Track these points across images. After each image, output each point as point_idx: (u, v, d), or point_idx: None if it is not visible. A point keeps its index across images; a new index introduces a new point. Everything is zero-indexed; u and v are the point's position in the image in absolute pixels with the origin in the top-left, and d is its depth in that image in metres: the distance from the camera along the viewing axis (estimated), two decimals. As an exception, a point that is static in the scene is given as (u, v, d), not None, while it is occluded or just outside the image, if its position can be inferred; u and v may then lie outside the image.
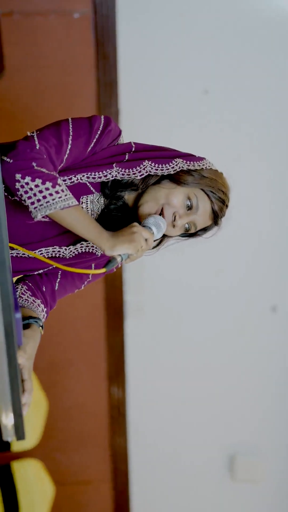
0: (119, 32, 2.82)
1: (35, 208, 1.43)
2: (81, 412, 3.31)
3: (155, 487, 3.51)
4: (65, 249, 1.63)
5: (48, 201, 1.42)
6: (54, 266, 1.58)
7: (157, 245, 1.73)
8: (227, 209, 1.68)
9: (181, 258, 3.19)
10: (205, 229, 1.70)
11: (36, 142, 1.47)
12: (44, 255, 1.62)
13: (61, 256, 1.63)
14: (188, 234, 1.70)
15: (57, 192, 1.43)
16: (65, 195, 1.44)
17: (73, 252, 1.63)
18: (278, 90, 2.98)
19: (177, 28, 2.87)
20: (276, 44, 2.93)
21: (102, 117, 1.59)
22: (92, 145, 1.57)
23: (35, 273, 1.67)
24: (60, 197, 1.43)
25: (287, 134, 3.05)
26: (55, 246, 1.62)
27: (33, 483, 3.03)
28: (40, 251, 1.62)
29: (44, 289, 1.67)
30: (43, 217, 1.45)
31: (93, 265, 1.69)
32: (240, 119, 3.00)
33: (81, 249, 1.63)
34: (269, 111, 3.00)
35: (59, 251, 1.63)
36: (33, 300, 1.63)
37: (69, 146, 1.52)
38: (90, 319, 3.18)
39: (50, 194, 1.42)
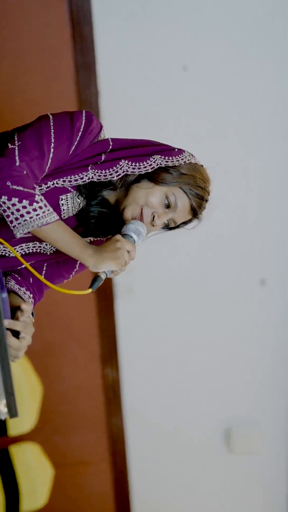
0: (95, 12, 2.81)
1: (14, 226, 1.43)
2: (76, 394, 3.33)
3: (154, 464, 3.54)
4: (46, 245, 1.63)
5: (26, 220, 1.42)
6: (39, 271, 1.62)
7: None
8: (207, 203, 1.68)
9: (169, 238, 3.19)
10: (185, 222, 1.71)
11: (17, 158, 1.46)
12: (25, 251, 1.62)
13: (42, 251, 1.63)
14: (169, 227, 1.71)
15: (34, 210, 1.42)
16: (43, 212, 1.43)
17: (53, 248, 1.63)
18: (262, 65, 2.98)
19: (154, 4, 2.86)
20: (257, 19, 2.92)
21: (84, 115, 1.56)
22: (73, 148, 1.55)
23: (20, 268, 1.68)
24: (37, 215, 1.42)
25: (270, 111, 3.05)
26: (35, 242, 1.62)
27: (32, 466, 3.05)
28: (21, 246, 1.62)
29: (31, 281, 1.67)
30: (24, 234, 1.45)
31: (77, 264, 1.72)
32: (222, 96, 3.00)
33: None
34: (253, 90, 3.00)
35: (39, 247, 1.63)
36: (19, 288, 1.62)
37: (51, 155, 1.51)
38: (81, 302, 3.19)
39: (28, 212, 1.42)
